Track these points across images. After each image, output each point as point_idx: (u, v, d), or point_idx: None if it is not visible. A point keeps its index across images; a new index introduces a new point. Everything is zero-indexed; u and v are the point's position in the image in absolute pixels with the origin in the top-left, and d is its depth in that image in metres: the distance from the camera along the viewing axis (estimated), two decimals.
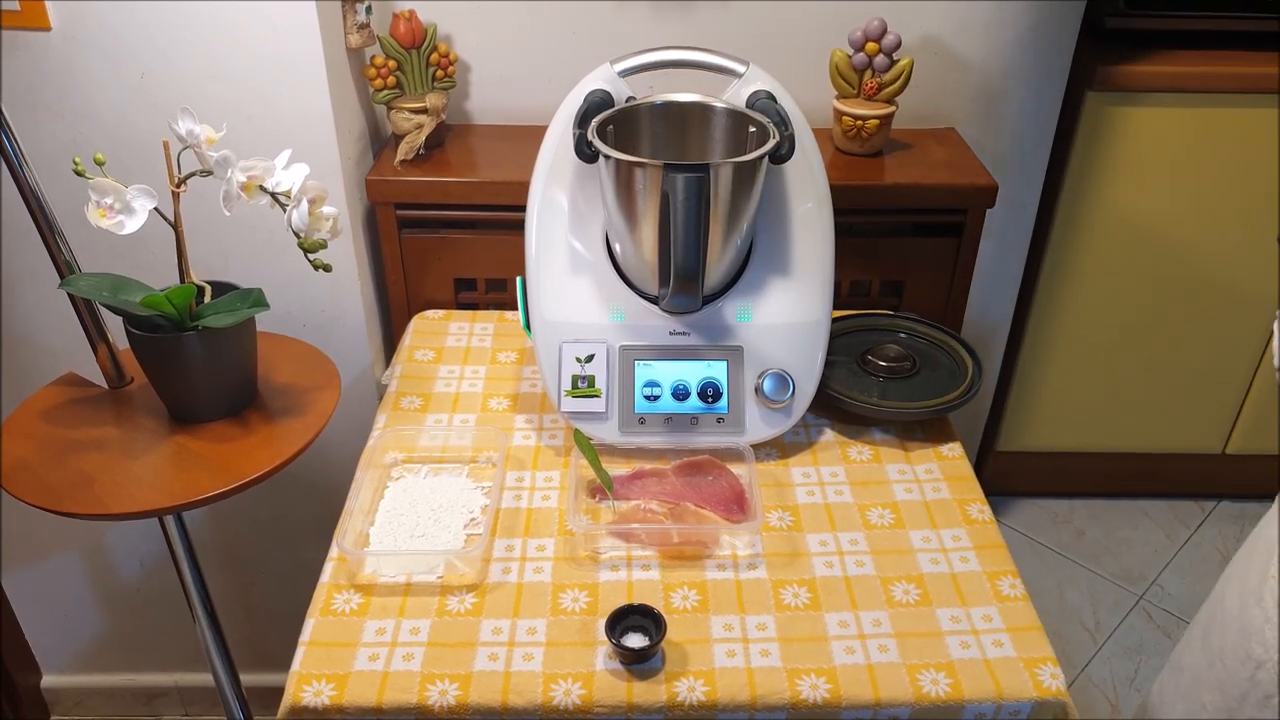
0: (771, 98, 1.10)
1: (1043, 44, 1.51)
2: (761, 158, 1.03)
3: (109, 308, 1.05)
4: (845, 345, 1.25)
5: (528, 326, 1.14)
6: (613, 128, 1.10)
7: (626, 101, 1.13)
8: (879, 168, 1.43)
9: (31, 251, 1.28)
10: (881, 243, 1.45)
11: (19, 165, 1.01)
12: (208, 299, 1.07)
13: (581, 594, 0.96)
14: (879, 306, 1.46)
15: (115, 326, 1.10)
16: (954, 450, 1.16)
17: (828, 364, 1.15)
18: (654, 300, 1.12)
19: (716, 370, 1.12)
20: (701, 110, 1.14)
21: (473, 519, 1.04)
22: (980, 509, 1.08)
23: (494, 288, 1.45)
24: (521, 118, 1.50)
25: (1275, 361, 0.74)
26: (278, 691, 0.88)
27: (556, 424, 1.19)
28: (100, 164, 0.97)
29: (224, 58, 1.20)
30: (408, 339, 1.34)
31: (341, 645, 0.90)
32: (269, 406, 1.13)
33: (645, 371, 1.12)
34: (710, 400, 1.11)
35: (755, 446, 1.13)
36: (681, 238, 0.99)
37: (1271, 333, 0.75)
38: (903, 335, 1.29)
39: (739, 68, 1.13)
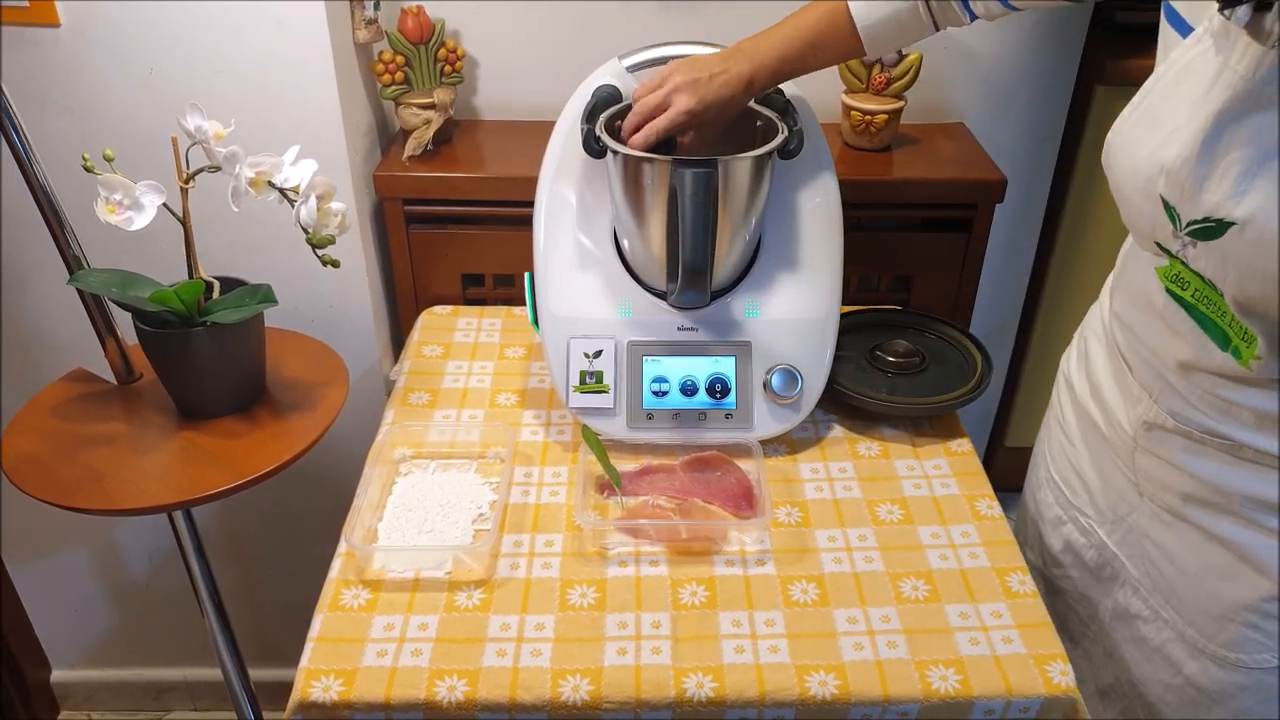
0: (780, 93, 1.10)
1: (1052, 38, 1.50)
2: (770, 153, 1.03)
3: (118, 303, 1.05)
4: (854, 341, 1.25)
5: (536, 322, 1.14)
6: (620, 123, 1.09)
7: (634, 97, 1.12)
8: (887, 163, 1.42)
9: (40, 247, 1.28)
10: (890, 238, 1.44)
11: (28, 161, 1.01)
12: (216, 295, 1.07)
13: (589, 589, 0.96)
14: (887, 302, 1.46)
15: (124, 322, 1.10)
16: (963, 446, 1.16)
17: (836, 360, 1.15)
18: (662, 296, 1.12)
19: (725, 366, 1.12)
20: None
21: (481, 514, 1.04)
22: (989, 505, 1.07)
23: (502, 283, 1.45)
24: (529, 113, 1.50)
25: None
26: (286, 686, 0.88)
27: (564, 420, 1.18)
28: (109, 160, 0.97)
29: (232, 54, 1.20)
30: (416, 334, 1.34)
31: (350, 641, 0.91)
32: (277, 402, 1.13)
33: (653, 367, 1.12)
34: (718, 396, 1.11)
35: (764, 442, 1.12)
36: (690, 233, 0.98)
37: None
38: (911, 331, 1.29)
39: None
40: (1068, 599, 1.08)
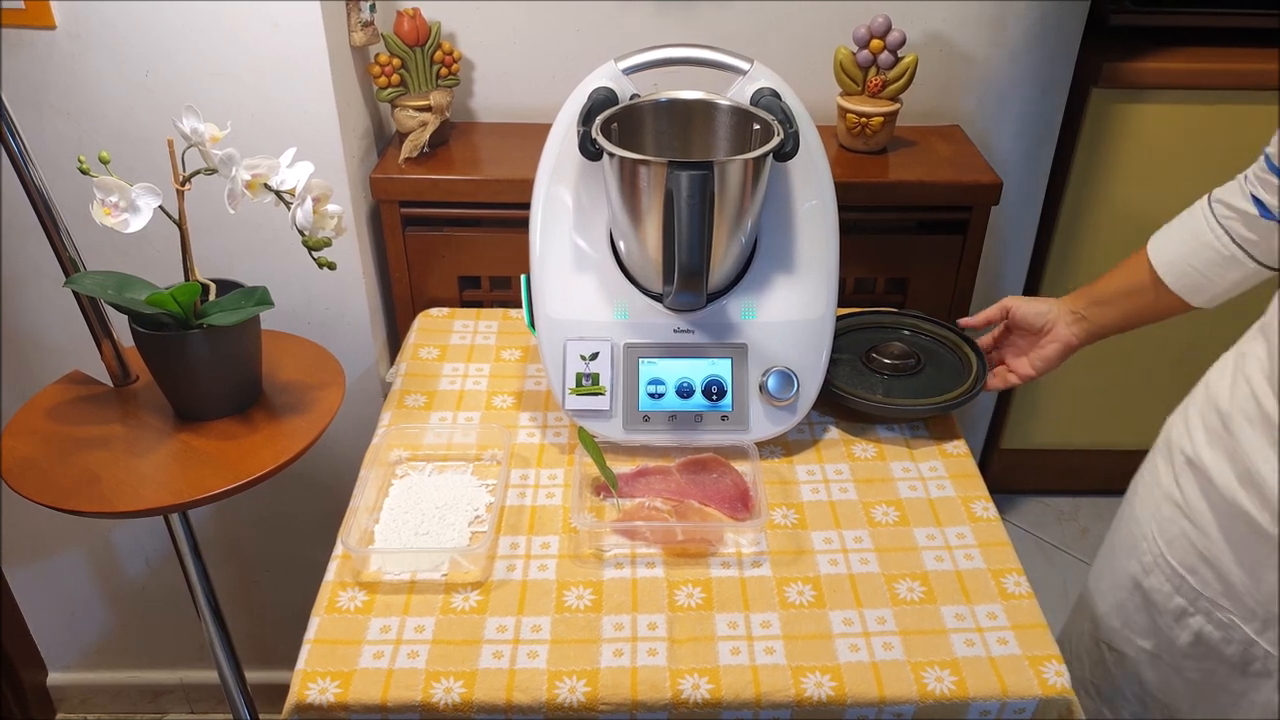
0: (776, 95, 1.10)
1: (1047, 41, 1.50)
2: (766, 155, 1.03)
3: (114, 306, 1.05)
4: (849, 343, 1.25)
5: (532, 324, 1.14)
6: (617, 125, 1.10)
7: (630, 99, 1.12)
8: (883, 165, 1.43)
9: (36, 250, 1.28)
10: (886, 240, 1.45)
11: (24, 163, 1.01)
12: (212, 297, 1.07)
13: (586, 591, 0.96)
14: (883, 304, 1.46)
15: (120, 324, 1.10)
16: (958, 448, 1.16)
17: (832, 362, 1.15)
18: (658, 298, 1.12)
19: (721, 368, 1.12)
20: (706, 108, 1.14)
21: (477, 516, 1.04)
22: (985, 506, 1.07)
23: (498, 285, 1.45)
24: (525, 115, 1.50)
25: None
26: (283, 689, 0.88)
27: (561, 422, 1.19)
28: (105, 162, 0.97)
29: (228, 56, 1.20)
30: (412, 337, 1.34)
31: (346, 643, 0.91)
32: (274, 404, 1.13)
33: (649, 369, 1.12)
34: (714, 398, 1.11)
35: (759, 444, 1.12)
36: (686, 235, 0.98)
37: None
38: (906, 333, 1.29)
39: (743, 65, 1.12)
40: (1200, 689, 1.00)
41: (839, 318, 1.17)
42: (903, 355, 1.21)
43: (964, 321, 1.21)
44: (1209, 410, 0.96)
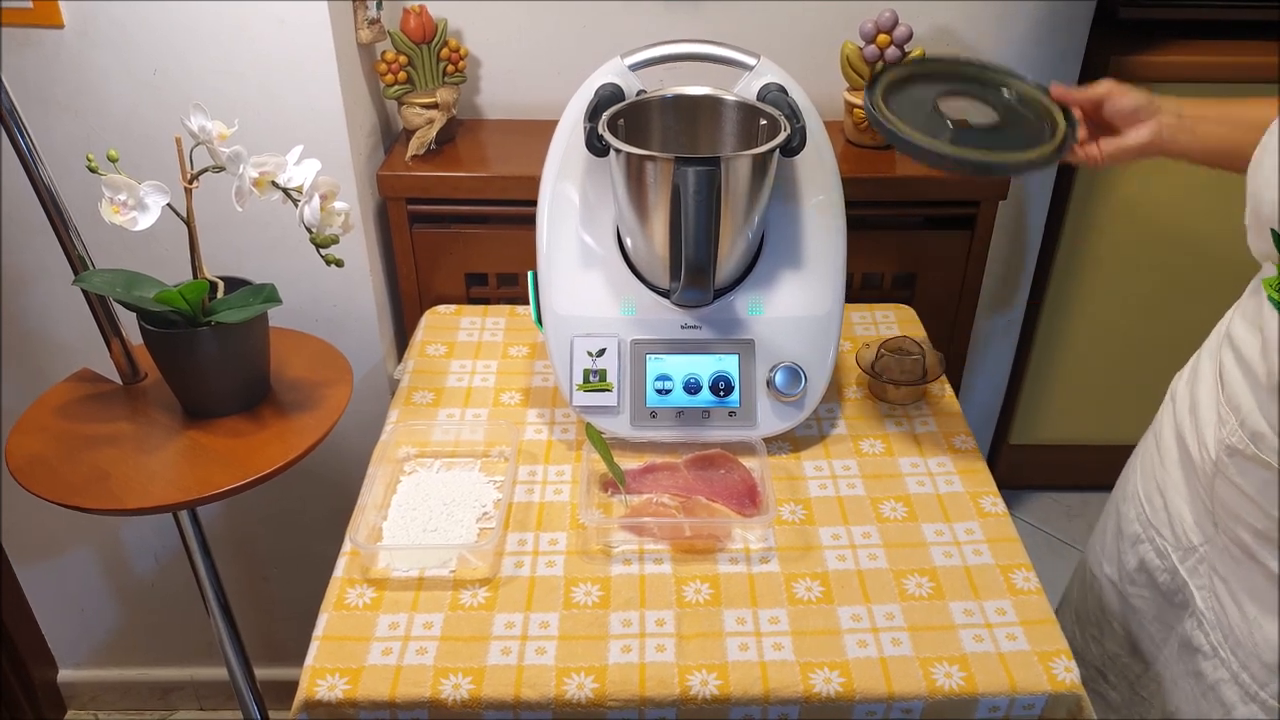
0: (782, 90, 1.10)
1: (1055, 35, 1.50)
2: (773, 151, 1.03)
3: (122, 304, 1.05)
4: (921, 91, 1.06)
5: (539, 321, 1.14)
6: (623, 121, 1.09)
7: (637, 95, 1.12)
8: (891, 160, 1.42)
9: (45, 248, 1.29)
10: (893, 236, 1.44)
11: (33, 162, 1.01)
12: (220, 295, 1.07)
13: (594, 588, 0.96)
14: (890, 300, 1.45)
15: (129, 322, 1.10)
16: (966, 443, 1.16)
17: (896, 103, 1.02)
18: (665, 294, 1.12)
19: (728, 364, 1.12)
20: (712, 103, 1.14)
21: (485, 513, 1.04)
22: (993, 502, 1.07)
23: (505, 282, 1.45)
24: (532, 112, 1.50)
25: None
26: (292, 685, 0.89)
27: (568, 418, 1.19)
28: (113, 160, 0.98)
29: (235, 54, 1.20)
30: (419, 334, 1.35)
31: (355, 639, 0.91)
32: (282, 401, 1.13)
33: (657, 365, 1.12)
34: (722, 394, 1.11)
35: (767, 440, 1.12)
36: (692, 231, 0.98)
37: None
38: (990, 87, 1.08)
39: (750, 60, 1.12)
40: (1141, 619, 1.05)
41: (916, 60, 1.08)
42: (980, 105, 1.05)
43: (1057, 89, 1.03)
44: (1195, 355, 1.02)
